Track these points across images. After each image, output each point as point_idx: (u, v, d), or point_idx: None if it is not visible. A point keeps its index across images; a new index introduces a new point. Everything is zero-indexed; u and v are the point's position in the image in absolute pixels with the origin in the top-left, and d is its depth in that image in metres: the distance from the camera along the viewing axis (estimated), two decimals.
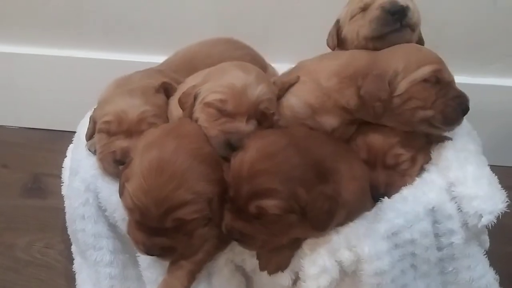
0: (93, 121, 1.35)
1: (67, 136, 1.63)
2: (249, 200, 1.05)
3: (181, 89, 1.35)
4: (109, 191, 1.29)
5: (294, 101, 1.29)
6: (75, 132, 1.52)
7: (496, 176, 1.24)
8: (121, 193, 1.14)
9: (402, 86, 1.20)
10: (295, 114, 1.29)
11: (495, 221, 1.14)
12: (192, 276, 1.18)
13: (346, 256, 1.11)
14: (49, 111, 2.20)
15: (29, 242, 1.74)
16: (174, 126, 1.26)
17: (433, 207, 1.17)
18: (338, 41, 1.44)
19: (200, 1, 1.89)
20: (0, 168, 2.06)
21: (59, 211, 1.52)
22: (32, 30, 2.05)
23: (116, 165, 1.27)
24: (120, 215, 1.26)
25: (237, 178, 1.08)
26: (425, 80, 1.19)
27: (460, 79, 1.88)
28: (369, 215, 1.17)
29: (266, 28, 1.90)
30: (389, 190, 1.24)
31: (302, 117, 1.28)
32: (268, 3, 1.86)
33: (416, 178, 1.25)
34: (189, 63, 1.59)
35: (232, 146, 1.15)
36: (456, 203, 1.18)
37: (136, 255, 1.28)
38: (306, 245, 1.15)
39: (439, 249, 1.18)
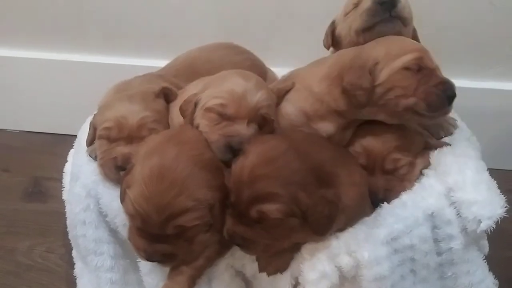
0: (93, 127, 1.35)
1: (68, 139, 1.64)
2: (250, 204, 1.06)
3: (182, 96, 1.36)
4: (110, 197, 1.29)
5: (290, 108, 1.30)
6: (76, 135, 1.52)
7: (496, 180, 1.25)
8: (122, 199, 1.14)
9: (383, 74, 1.19)
10: (291, 122, 1.29)
11: (494, 226, 1.14)
12: (193, 282, 1.18)
13: (345, 261, 1.11)
14: (50, 115, 2.21)
15: (30, 246, 1.74)
16: (175, 132, 1.27)
17: (432, 212, 1.18)
18: (333, 41, 1.46)
19: (200, 6, 1.90)
20: (1, 172, 2.07)
21: (60, 215, 1.52)
22: (33, 34, 2.05)
23: (117, 171, 1.27)
24: (121, 220, 1.27)
25: (238, 183, 1.08)
26: (406, 68, 1.18)
27: (460, 83, 1.88)
28: (368, 220, 1.18)
29: (266, 33, 1.90)
30: (388, 195, 1.24)
31: (298, 125, 1.29)
32: (268, 8, 1.87)
33: (415, 184, 1.26)
34: (189, 68, 1.59)
35: (233, 149, 1.15)
36: (455, 208, 1.18)
37: (137, 260, 1.28)
38: (306, 251, 1.15)
39: (439, 254, 1.19)
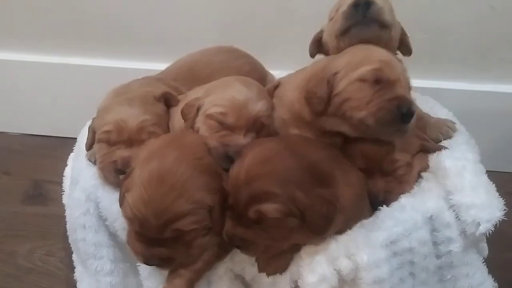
0: (92, 131, 1.35)
1: (68, 142, 1.64)
2: (248, 205, 1.06)
3: (184, 102, 1.37)
4: (110, 200, 1.30)
5: (275, 114, 1.31)
6: (76, 138, 1.53)
7: (495, 182, 1.25)
8: (121, 203, 1.15)
9: (341, 85, 1.18)
10: (276, 127, 1.31)
11: (493, 229, 1.15)
12: (191, 285, 1.18)
13: (345, 264, 1.11)
14: (51, 118, 2.21)
15: (30, 250, 1.75)
16: (175, 136, 1.28)
17: (431, 216, 1.18)
18: (320, 48, 1.45)
19: (200, 9, 1.90)
20: (1, 175, 2.08)
21: (60, 218, 1.52)
22: (33, 38, 2.06)
23: (116, 174, 1.28)
24: (120, 224, 1.27)
25: (235, 184, 1.09)
26: (362, 79, 1.16)
27: (459, 85, 1.91)
28: (367, 223, 1.18)
29: (266, 36, 1.91)
30: (388, 197, 1.24)
31: (281, 131, 1.30)
32: (268, 12, 1.87)
33: (414, 187, 1.26)
34: (189, 71, 1.59)
35: (230, 158, 1.16)
36: (454, 211, 1.19)
37: (137, 264, 1.28)
38: (305, 254, 1.15)
39: (438, 257, 1.19)
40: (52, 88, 2.13)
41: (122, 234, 1.26)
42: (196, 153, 1.16)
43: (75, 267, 1.46)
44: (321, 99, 1.19)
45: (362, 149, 1.26)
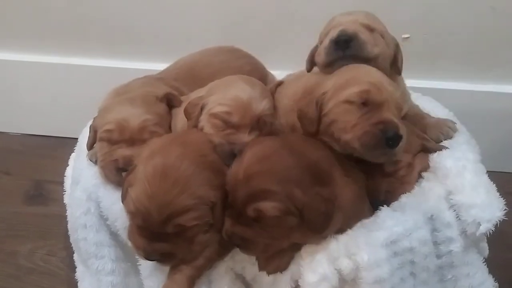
0: (93, 130, 1.35)
1: (69, 142, 1.65)
2: (246, 203, 1.07)
3: (186, 103, 1.37)
4: (111, 200, 1.30)
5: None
6: (77, 139, 1.53)
7: (495, 182, 1.25)
8: (124, 197, 1.15)
9: (329, 105, 1.18)
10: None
11: (493, 228, 1.15)
12: (192, 282, 1.18)
13: (345, 264, 1.11)
14: (51, 118, 2.22)
15: (31, 250, 1.75)
16: (180, 134, 1.30)
17: (431, 215, 1.18)
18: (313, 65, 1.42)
19: (201, 9, 1.91)
20: (2, 175, 2.08)
21: (61, 218, 1.53)
22: (34, 38, 2.06)
23: (118, 173, 1.28)
24: (121, 223, 1.27)
25: (234, 183, 1.10)
26: (348, 101, 1.15)
27: (460, 86, 1.91)
28: (368, 223, 1.18)
29: (266, 36, 1.91)
30: (389, 197, 1.24)
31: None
32: (268, 12, 1.87)
33: (415, 186, 1.26)
34: (190, 71, 1.60)
35: (236, 156, 1.17)
36: (454, 211, 1.19)
37: (138, 263, 1.28)
38: (306, 253, 1.15)
39: (438, 257, 1.19)
40: (52, 88, 2.13)
41: (123, 234, 1.26)
42: (200, 150, 1.17)
43: (76, 267, 1.47)
44: (311, 120, 1.20)
45: None
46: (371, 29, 1.29)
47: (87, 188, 1.34)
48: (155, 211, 1.06)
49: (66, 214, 1.46)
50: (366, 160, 1.19)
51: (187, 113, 1.31)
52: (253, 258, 1.20)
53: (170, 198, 1.06)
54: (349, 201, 1.15)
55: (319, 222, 1.09)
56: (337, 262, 1.12)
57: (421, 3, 1.78)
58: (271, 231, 1.08)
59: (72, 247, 1.48)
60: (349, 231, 1.16)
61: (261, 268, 1.19)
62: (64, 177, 1.58)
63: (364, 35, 1.25)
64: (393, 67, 1.36)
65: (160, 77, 1.58)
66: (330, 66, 1.28)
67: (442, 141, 1.36)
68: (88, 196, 1.34)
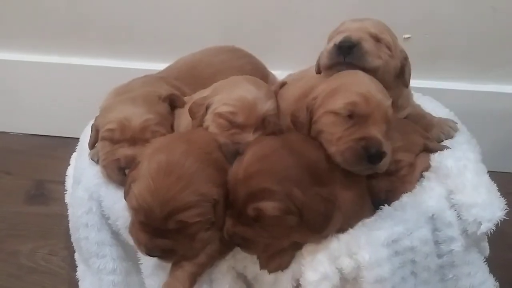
0: (95, 129, 1.36)
1: (70, 142, 1.66)
2: (246, 202, 1.07)
3: (191, 103, 1.37)
4: (112, 199, 1.30)
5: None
6: (78, 138, 1.54)
7: (497, 182, 1.25)
8: (127, 193, 1.15)
9: (317, 113, 1.19)
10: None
11: (494, 228, 1.15)
12: (194, 278, 1.18)
13: (346, 263, 1.11)
14: (52, 118, 2.22)
15: (33, 249, 1.75)
16: (184, 132, 1.32)
17: (432, 215, 1.19)
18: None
19: (201, 10, 1.91)
20: (4, 175, 2.08)
21: (63, 218, 1.53)
22: (35, 38, 2.07)
23: (120, 172, 1.28)
24: (123, 223, 1.27)
25: (234, 182, 1.10)
26: (335, 113, 1.15)
27: (460, 86, 1.91)
28: (369, 222, 1.18)
29: (267, 36, 1.91)
30: (390, 196, 1.24)
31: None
32: (269, 12, 1.88)
33: (416, 186, 1.26)
34: (191, 71, 1.60)
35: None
36: (455, 210, 1.19)
37: (139, 262, 1.29)
38: (307, 252, 1.16)
39: (439, 256, 1.19)
40: (53, 88, 2.14)
41: (125, 233, 1.27)
42: (204, 148, 1.17)
43: (77, 266, 1.47)
44: (302, 125, 1.21)
45: None
46: (377, 39, 1.29)
47: (88, 187, 1.35)
48: (157, 207, 1.07)
49: (67, 213, 1.46)
50: None
51: (191, 113, 1.31)
52: (255, 257, 1.20)
53: (173, 194, 1.07)
54: (349, 201, 1.15)
55: (318, 222, 1.09)
56: (338, 261, 1.12)
57: (422, 4, 1.79)
58: (271, 230, 1.09)
59: (73, 246, 1.48)
60: (350, 230, 1.16)
61: (262, 267, 1.19)
62: (65, 177, 1.58)
63: (368, 45, 1.25)
64: (400, 79, 1.35)
65: (161, 77, 1.58)
66: (330, 69, 1.29)
67: (443, 141, 1.37)
68: (90, 196, 1.34)
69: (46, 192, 1.98)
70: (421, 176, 1.29)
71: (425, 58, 1.87)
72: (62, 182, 1.59)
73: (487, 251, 1.27)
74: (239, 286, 1.23)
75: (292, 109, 1.27)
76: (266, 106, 1.25)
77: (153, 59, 1.95)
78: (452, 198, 1.20)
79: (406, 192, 1.25)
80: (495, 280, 1.25)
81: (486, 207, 1.16)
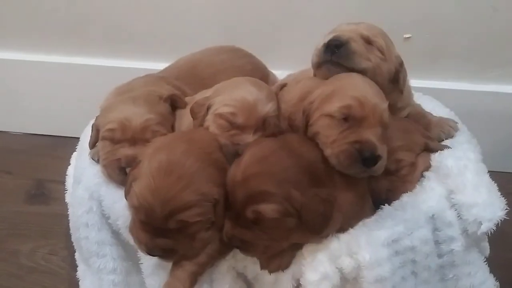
0: (96, 128, 1.36)
1: (70, 142, 1.66)
2: (245, 205, 1.07)
3: (192, 103, 1.37)
4: (113, 199, 1.30)
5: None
6: (78, 138, 1.53)
7: (497, 182, 1.25)
8: (128, 192, 1.15)
9: (314, 116, 1.19)
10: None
11: (494, 228, 1.15)
12: (195, 278, 1.18)
13: (347, 263, 1.12)
14: (52, 117, 2.22)
15: (33, 249, 1.75)
16: (186, 131, 1.32)
17: (433, 215, 1.19)
18: None
19: (202, 9, 1.91)
20: (4, 175, 2.08)
21: (63, 217, 1.53)
22: (35, 38, 2.07)
23: (120, 172, 1.29)
24: (123, 222, 1.27)
25: (232, 184, 1.10)
26: (330, 116, 1.16)
27: (461, 86, 1.92)
28: (369, 222, 1.18)
29: (268, 36, 1.91)
30: (390, 196, 1.25)
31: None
32: (270, 11, 1.88)
33: (417, 186, 1.26)
34: (191, 70, 1.60)
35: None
36: (456, 210, 1.19)
37: (139, 262, 1.29)
38: (307, 252, 1.16)
39: (440, 256, 1.19)
40: (54, 87, 2.14)
41: (125, 232, 1.27)
42: (205, 147, 1.18)
43: (77, 266, 1.47)
44: (298, 128, 1.22)
45: None
46: (369, 41, 1.29)
47: (89, 187, 1.35)
48: (158, 206, 1.07)
49: (68, 213, 1.46)
50: None
51: (193, 113, 1.32)
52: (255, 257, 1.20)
53: (173, 193, 1.07)
54: (348, 202, 1.15)
55: (317, 223, 1.09)
56: (339, 261, 1.12)
57: (422, 4, 1.79)
58: (270, 232, 1.09)
59: (73, 246, 1.48)
60: (350, 230, 1.16)
61: (262, 267, 1.19)
62: (66, 176, 1.58)
63: (356, 45, 1.25)
64: (395, 84, 1.35)
65: (161, 76, 1.57)
66: (319, 68, 1.30)
67: (443, 140, 1.37)
68: (90, 195, 1.34)
69: (47, 192, 1.98)
70: (422, 176, 1.29)
71: (426, 57, 1.87)
72: (63, 182, 1.60)
73: (487, 251, 1.27)
74: (239, 286, 1.23)
75: (288, 113, 1.28)
76: (267, 107, 1.25)
77: (153, 59, 1.96)
78: (453, 198, 1.20)
79: (407, 192, 1.25)
80: (496, 280, 1.25)
81: (486, 207, 1.16)
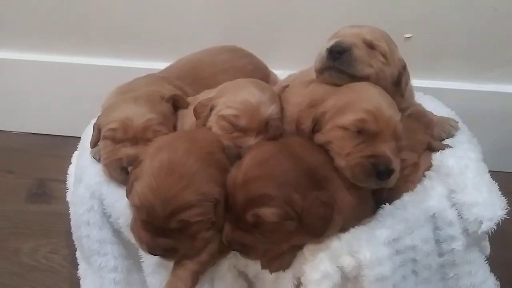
0: (97, 128, 1.36)
1: (71, 141, 1.66)
2: (245, 208, 1.07)
3: (195, 104, 1.38)
4: (114, 197, 1.31)
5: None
6: (79, 137, 1.53)
7: (497, 182, 1.25)
8: (129, 191, 1.16)
9: (327, 127, 1.18)
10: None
11: (495, 227, 1.16)
12: (196, 277, 1.18)
13: (347, 262, 1.11)
14: (54, 117, 2.22)
15: (34, 247, 1.75)
16: (188, 131, 1.32)
17: (434, 214, 1.19)
18: None
19: (203, 9, 1.91)
20: (5, 174, 2.08)
21: (64, 216, 1.54)
22: (36, 37, 2.07)
23: (122, 172, 1.29)
24: (124, 221, 1.27)
25: (232, 186, 1.10)
26: (344, 128, 1.15)
27: (461, 85, 1.92)
28: (370, 221, 1.18)
29: (268, 36, 1.91)
30: (392, 195, 1.24)
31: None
32: (270, 11, 1.88)
33: (417, 185, 1.26)
34: (192, 70, 1.60)
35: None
36: (456, 209, 1.19)
37: (140, 261, 1.29)
38: (308, 251, 1.16)
39: (440, 255, 1.19)
40: (55, 87, 2.14)
41: (126, 231, 1.27)
42: (207, 147, 1.17)
43: (78, 264, 1.47)
44: (304, 133, 1.22)
45: None
46: (371, 46, 1.29)
47: (90, 185, 1.35)
48: (159, 205, 1.07)
49: (69, 212, 1.47)
50: None
51: (196, 113, 1.32)
52: None
53: (174, 193, 1.07)
54: (349, 205, 1.15)
55: (318, 226, 1.09)
56: (340, 260, 1.12)
57: (423, 3, 1.79)
58: (270, 236, 1.09)
59: (74, 244, 1.49)
60: (351, 229, 1.16)
61: (263, 267, 1.19)
62: (67, 175, 1.58)
63: (358, 52, 1.25)
64: (397, 87, 1.34)
65: (163, 76, 1.58)
66: (322, 73, 1.29)
67: (444, 139, 1.37)
68: (92, 194, 1.34)
69: (48, 191, 1.99)
70: (423, 175, 1.29)
71: (426, 57, 1.87)
72: (64, 181, 1.60)
73: (488, 250, 1.27)
74: (240, 285, 1.23)
75: (296, 116, 1.27)
76: (270, 110, 1.26)
77: (153, 59, 1.96)
78: (453, 197, 1.20)
79: (408, 191, 1.25)
80: (496, 279, 1.25)
81: (487, 206, 1.16)
